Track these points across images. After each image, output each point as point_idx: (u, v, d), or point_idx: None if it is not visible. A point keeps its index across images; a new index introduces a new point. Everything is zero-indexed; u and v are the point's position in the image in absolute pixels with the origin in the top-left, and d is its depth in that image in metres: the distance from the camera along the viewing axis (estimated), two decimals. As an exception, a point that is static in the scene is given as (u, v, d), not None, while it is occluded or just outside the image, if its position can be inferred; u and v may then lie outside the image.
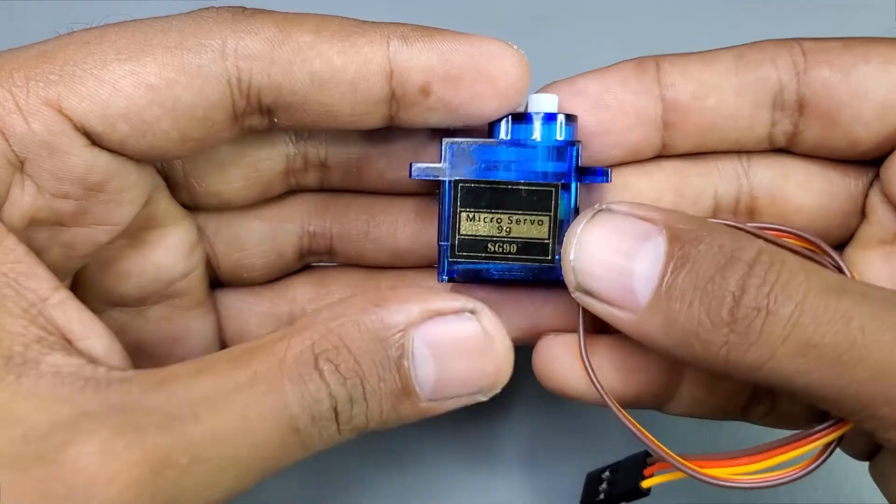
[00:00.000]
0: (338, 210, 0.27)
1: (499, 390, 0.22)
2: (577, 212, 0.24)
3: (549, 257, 0.24)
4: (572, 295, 0.23)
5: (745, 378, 0.20)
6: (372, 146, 0.26)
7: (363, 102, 0.23)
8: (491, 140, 0.24)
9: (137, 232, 0.25)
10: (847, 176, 0.25)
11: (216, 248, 0.27)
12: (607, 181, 0.24)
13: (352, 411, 0.20)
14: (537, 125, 0.24)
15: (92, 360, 0.21)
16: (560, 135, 0.24)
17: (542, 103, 0.24)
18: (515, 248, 0.24)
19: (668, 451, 0.22)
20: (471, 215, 0.24)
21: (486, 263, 0.24)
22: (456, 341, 0.21)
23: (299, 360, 0.20)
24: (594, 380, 0.24)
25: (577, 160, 0.24)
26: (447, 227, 0.24)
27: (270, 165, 0.26)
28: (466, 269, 0.25)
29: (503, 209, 0.24)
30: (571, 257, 0.22)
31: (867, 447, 0.24)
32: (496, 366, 0.22)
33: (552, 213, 0.24)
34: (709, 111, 0.24)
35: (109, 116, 0.21)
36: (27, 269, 0.21)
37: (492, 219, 0.24)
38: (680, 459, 0.22)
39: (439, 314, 0.21)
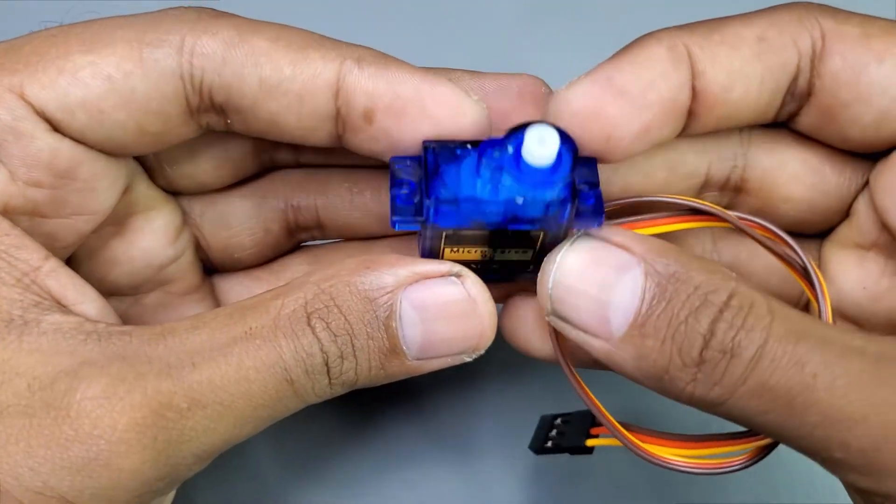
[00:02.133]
0: (319, 181, 0.28)
1: (483, 351, 0.23)
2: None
3: (529, 269, 0.24)
4: (546, 318, 0.23)
5: (706, 411, 0.21)
6: None
7: (309, 116, 0.23)
8: (481, 197, 0.21)
9: (122, 219, 0.25)
10: (842, 175, 0.25)
11: (203, 229, 0.27)
12: (599, 225, 0.22)
13: (342, 367, 0.21)
14: (532, 177, 0.21)
15: (89, 320, 0.22)
16: (559, 180, 0.21)
17: (538, 147, 0.20)
18: (498, 267, 0.24)
19: (612, 420, 0.23)
20: (455, 249, 0.23)
21: None
22: (441, 304, 0.22)
23: (293, 318, 0.21)
24: (556, 346, 0.24)
25: (573, 213, 0.22)
26: (427, 255, 0.23)
27: (239, 146, 0.26)
28: None
29: (488, 245, 0.23)
30: (549, 286, 0.22)
31: None
32: (479, 329, 0.23)
33: (537, 247, 0.23)
34: (733, 103, 0.24)
35: (68, 105, 0.21)
36: (16, 241, 0.21)
37: (476, 251, 0.23)
38: (621, 430, 0.23)
39: (426, 277, 0.22)
